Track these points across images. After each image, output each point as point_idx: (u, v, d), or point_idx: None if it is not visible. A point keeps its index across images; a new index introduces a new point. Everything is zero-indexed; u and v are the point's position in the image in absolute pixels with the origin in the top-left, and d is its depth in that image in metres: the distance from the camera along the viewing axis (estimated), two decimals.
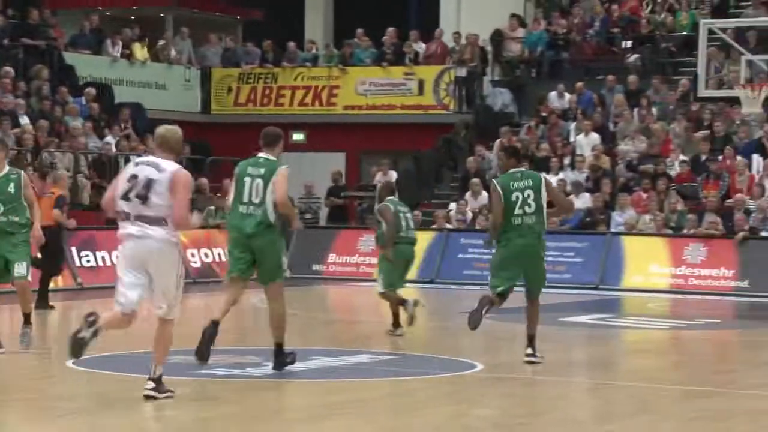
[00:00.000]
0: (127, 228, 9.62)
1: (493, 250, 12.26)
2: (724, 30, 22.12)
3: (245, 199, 11.27)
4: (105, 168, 23.89)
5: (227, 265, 12.19)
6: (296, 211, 15.57)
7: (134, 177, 9.65)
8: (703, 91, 21.52)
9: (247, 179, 11.32)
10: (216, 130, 29.92)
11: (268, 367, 11.44)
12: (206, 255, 23.20)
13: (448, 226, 23.37)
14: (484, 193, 23.92)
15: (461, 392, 11.03)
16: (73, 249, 20.86)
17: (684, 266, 21.17)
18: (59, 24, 28.26)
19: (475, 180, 24.21)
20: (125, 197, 9.64)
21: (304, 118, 29.55)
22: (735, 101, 21.49)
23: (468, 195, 24.00)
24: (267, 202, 11.18)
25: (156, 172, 9.61)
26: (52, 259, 17.60)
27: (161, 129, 10.03)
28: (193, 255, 22.86)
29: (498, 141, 25.67)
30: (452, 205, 24.06)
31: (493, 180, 12.38)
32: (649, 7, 28.41)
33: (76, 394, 10.79)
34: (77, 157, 23.55)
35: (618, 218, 22.28)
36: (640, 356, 13.96)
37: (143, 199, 9.59)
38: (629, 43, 27.98)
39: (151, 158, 9.90)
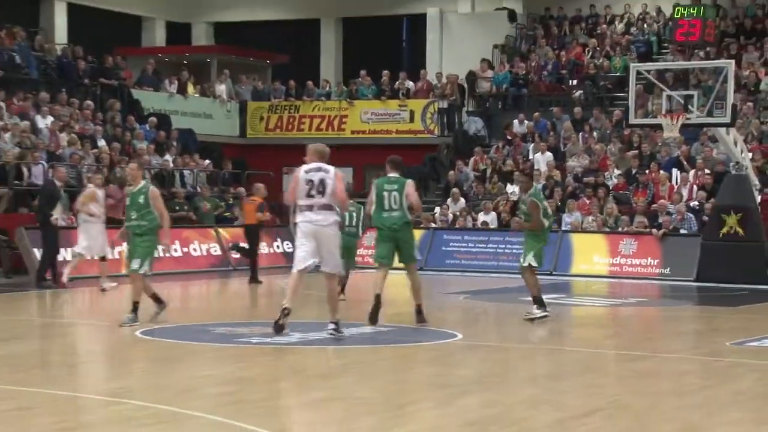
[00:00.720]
0: (308, 215, 10.97)
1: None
2: (648, 71, 22.04)
3: (386, 206, 12.32)
4: (164, 179, 23.85)
5: (376, 252, 12.69)
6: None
7: (310, 181, 11.03)
8: (632, 120, 21.36)
9: (386, 192, 12.36)
10: (251, 150, 29.87)
11: (293, 337, 11.46)
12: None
13: (434, 225, 23.28)
14: (462, 200, 23.93)
15: (445, 357, 10.99)
16: None
17: (619, 257, 21.08)
18: (128, 67, 28.22)
19: (455, 189, 24.16)
20: (309, 195, 10.98)
21: (320, 141, 29.28)
22: (658, 127, 21.39)
23: (449, 201, 23.90)
24: (404, 207, 12.32)
25: (324, 174, 11.05)
26: (253, 248, 19.24)
27: (316, 145, 11.62)
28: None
29: (472, 159, 25.68)
30: (437, 209, 23.96)
31: (532, 197, 13.35)
32: (590, 54, 28.38)
33: (143, 357, 10.75)
34: (111, 172, 23.44)
35: (567, 219, 22.19)
36: (585, 328, 13.92)
37: (322, 194, 10.92)
38: (575, 82, 27.94)
39: (314, 165, 11.18)
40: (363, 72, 29.68)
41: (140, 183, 12.72)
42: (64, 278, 17.20)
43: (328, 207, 11.06)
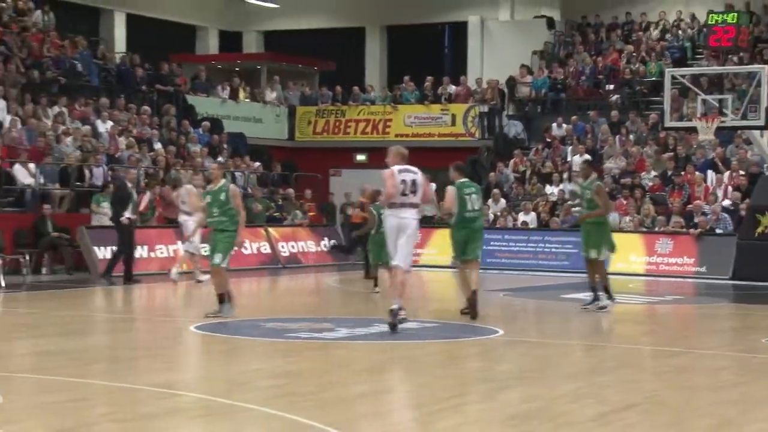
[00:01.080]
0: (400, 212, 11.30)
1: None
2: (683, 76, 21.76)
3: (469, 208, 12.94)
4: None
5: (462, 250, 12.97)
6: None
7: (403, 181, 11.36)
8: (668, 123, 21.14)
9: (467, 196, 12.94)
10: (300, 153, 29.93)
11: (341, 332, 11.43)
12: (293, 246, 23.16)
13: None
14: (503, 200, 23.78)
15: (487, 352, 10.91)
16: None
17: (656, 255, 20.85)
18: (182, 74, 28.40)
19: (496, 190, 24.02)
20: (403, 193, 11.32)
21: (365, 144, 29.53)
22: (693, 130, 21.14)
23: (490, 201, 23.71)
24: (482, 208, 13.41)
25: (414, 175, 11.45)
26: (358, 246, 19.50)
27: (398, 148, 11.92)
28: (282, 246, 22.81)
29: (512, 161, 25.54)
30: None
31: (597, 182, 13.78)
32: (626, 60, 28.08)
33: (197, 351, 10.78)
34: (196, 172, 23.61)
35: None
36: (623, 324, 13.74)
37: (414, 192, 11.33)
38: (611, 87, 27.67)
39: (403, 167, 11.52)
40: (406, 78, 29.63)
41: (221, 182, 12.78)
42: (173, 275, 17.44)
43: (417, 206, 11.52)
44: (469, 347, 11.12)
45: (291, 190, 24.85)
